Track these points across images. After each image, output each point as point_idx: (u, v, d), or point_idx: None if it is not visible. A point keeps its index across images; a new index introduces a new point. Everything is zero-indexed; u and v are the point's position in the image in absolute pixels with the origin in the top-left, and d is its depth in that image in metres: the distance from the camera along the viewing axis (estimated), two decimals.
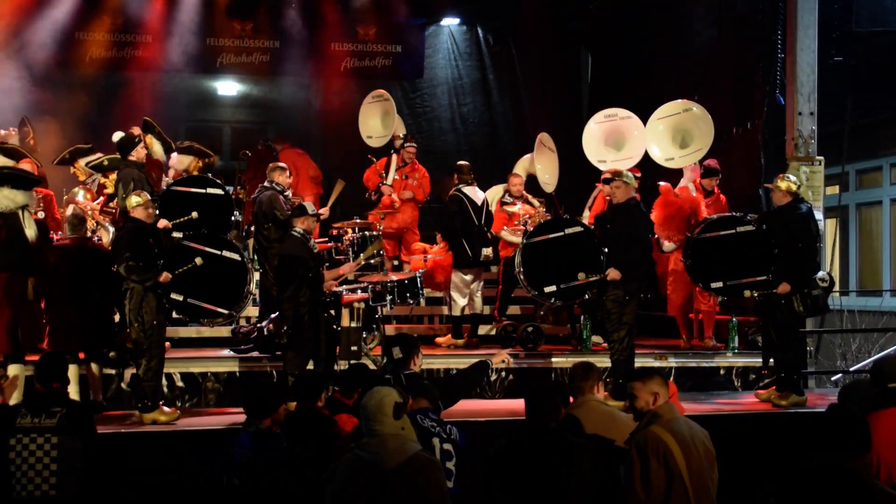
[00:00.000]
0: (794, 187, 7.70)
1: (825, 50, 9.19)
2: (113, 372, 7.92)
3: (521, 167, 10.16)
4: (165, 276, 7.06)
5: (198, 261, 7.21)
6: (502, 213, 9.58)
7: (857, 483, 3.79)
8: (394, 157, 10.37)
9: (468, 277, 9.41)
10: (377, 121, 10.82)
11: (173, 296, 7.20)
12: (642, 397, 4.50)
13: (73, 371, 7.34)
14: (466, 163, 9.82)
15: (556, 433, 4.49)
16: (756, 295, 7.89)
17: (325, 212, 9.27)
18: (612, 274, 7.62)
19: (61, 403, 5.28)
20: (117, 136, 8.63)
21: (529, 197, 9.67)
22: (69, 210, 8.10)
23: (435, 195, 10.94)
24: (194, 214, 7.55)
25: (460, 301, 9.42)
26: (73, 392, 7.33)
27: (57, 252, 7.49)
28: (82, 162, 9.49)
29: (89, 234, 7.98)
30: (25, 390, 7.06)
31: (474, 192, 9.48)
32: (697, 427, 4.54)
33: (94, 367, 7.61)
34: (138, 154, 7.93)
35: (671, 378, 8.06)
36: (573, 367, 5.41)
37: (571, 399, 5.18)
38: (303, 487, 4.78)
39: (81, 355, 7.51)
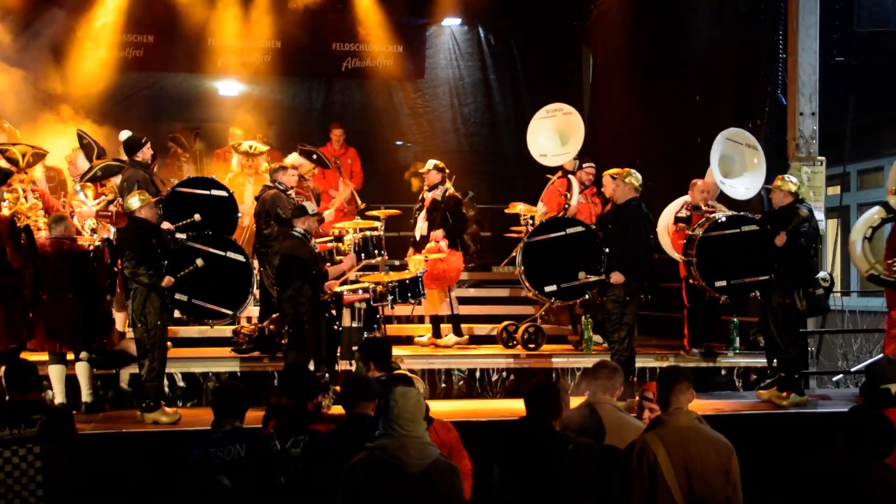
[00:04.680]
0: (794, 188, 7.77)
1: (826, 50, 9.18)
2: (113, 371, 7.91)
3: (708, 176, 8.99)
4: (168, 281, 7.06)
5: (199, 262, 7.20)
6: (677, 230, 8.69)
7: (856, 485, 3.78)
8: (573, 179, 9.33)
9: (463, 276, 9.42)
10: (553, 137, 9.45)
11: (178, 296, 7.21)
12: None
13: (58, 371, 7.31)
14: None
15: (554, 430, 4.45)
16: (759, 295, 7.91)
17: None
18: (616, 278, 7.61)
19: (40, 411, 5.00)
20: (124, 135, 8.59)
21: (720, 207, 8.71)
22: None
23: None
24: (197, 217, 7.54)
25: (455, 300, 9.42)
26: (59, 392, 7.30)
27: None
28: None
29: (82, 233, 7.93)
30: None
31: None
32: (716, 441, 4.35)
33: (79, 367, 7.43)
34: (144, 155, 7.92)
35: None
36: (600, 364, 5.20)
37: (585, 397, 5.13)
38: (291, 482, 4.76)
39: (70, 356, 7.44)
